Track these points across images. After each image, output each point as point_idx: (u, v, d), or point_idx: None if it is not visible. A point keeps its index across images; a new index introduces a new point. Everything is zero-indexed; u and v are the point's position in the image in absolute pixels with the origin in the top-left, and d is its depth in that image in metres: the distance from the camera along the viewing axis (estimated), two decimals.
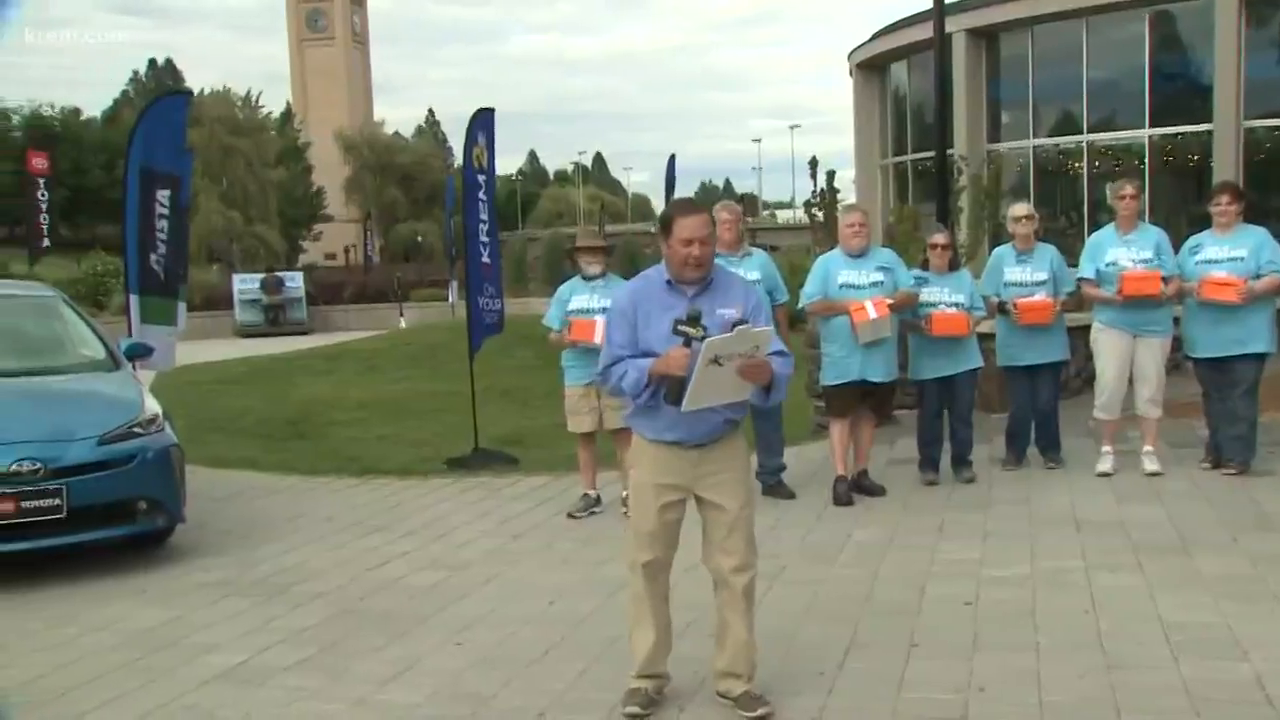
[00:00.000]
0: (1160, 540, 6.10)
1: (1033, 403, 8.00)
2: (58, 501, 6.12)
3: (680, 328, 3.91)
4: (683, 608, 4.42)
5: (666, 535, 4.19)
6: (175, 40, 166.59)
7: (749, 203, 77.67)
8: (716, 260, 4.23)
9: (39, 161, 28.57)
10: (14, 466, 6.04)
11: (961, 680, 4.34)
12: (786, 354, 4.11)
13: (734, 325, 3.89)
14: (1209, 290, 7.32)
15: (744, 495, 4.22)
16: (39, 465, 6.10)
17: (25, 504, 6.04)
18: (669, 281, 4.12)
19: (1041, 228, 8.20)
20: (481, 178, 9.70)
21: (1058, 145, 23.81)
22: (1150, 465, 7.58)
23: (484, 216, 9.68)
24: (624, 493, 7.26)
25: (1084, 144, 22.88)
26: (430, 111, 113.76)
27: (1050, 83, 23.29)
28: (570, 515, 7.35)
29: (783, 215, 79.05)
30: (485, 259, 9.69)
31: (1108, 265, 7.57)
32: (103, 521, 6.36)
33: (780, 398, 4.22)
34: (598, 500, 7.45)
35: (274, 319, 31.20)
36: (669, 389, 3.93)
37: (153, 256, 8.99)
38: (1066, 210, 23.61)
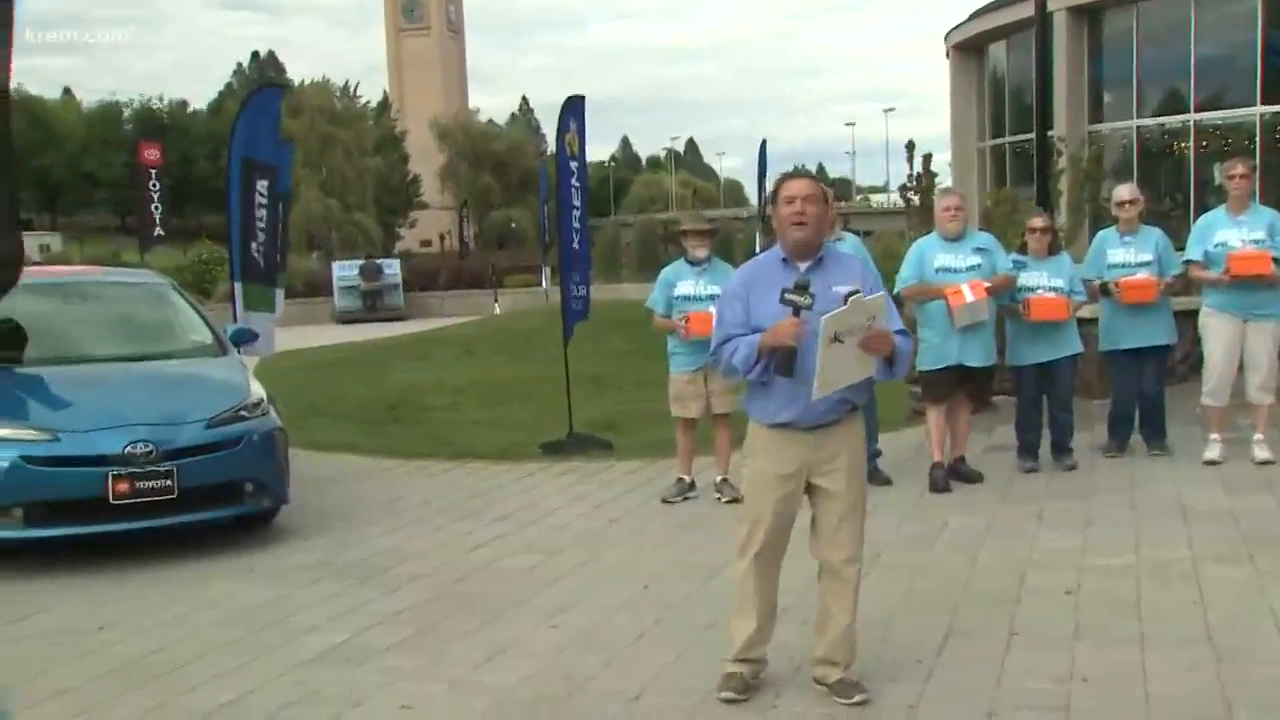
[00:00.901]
0: (1272, 531, 5.91)
1: (1138, 388, 7.80)
2: (169, 483, 6.30)
3: (788, 297, 3.89)
4: (779, 592, 4.40)
5: (780, 526, 4.16)
6: (278, 33, 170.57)
7: (842, 186, 76.98)
8: None
9: (150, 153, 29.15)
10: (128, 449, 6.24)
11: (1063, 670, 4.26)
12: (905, 332, 4.09)
13: (846, 296, 3.87)
14: None
15: (858, 484, 4.17)
16: (152, 447, 6.29)
17: (139, 485, 6.23)
18: (784, 259, 4.13)
19: (1145, 210, 7.99)
20: (573, 164, 9.72)
21: (1162, 125, 23.10)
22: (1261, 454, 7.35)
23: (576, 203, 9.71)
24: (718, 478, 7.27)
25: (1190, 123, 22.17)
26: (524, 99, 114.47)
27: (1155, 61, 22.60)
28: (664, 500, 7.37)
29: (877, 199, 78.02)
30: (575, 245, 9.73)
31: (1216, 246, 7.35)
32: (211, 502, 6.55)
33: (902, 372, 4.21)
34: (692, 486, 7.45)
35: (372, 305, 31.68)
36: (779, 361, 3.91)
37: (254, 245, 9.22)
38: (1171, 192, 22.90)
